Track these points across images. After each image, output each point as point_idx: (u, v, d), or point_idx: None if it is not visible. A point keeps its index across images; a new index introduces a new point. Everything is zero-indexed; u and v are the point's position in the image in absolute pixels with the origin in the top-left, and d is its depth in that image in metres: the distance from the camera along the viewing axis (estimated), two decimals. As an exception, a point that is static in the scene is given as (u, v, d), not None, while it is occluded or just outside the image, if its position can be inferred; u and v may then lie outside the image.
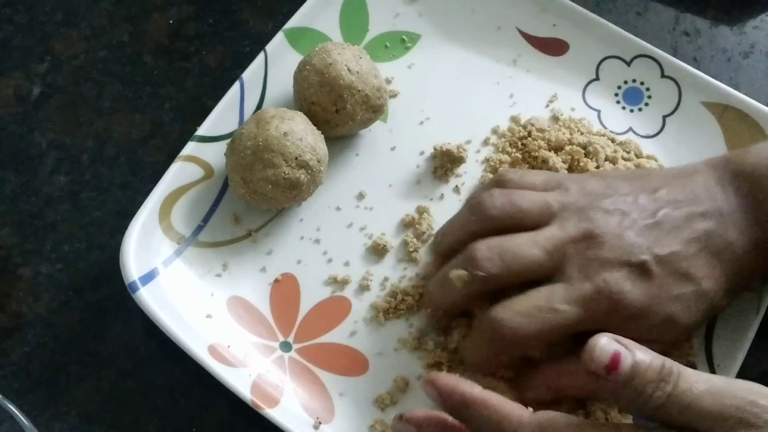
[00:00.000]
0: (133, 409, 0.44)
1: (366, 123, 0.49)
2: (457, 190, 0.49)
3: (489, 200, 0.42)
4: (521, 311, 0.39)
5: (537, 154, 0.48)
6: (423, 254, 0.47)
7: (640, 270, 0.39)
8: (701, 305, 0.40)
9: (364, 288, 0.46)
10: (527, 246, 0.40)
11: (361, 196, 0.49)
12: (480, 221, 0.42)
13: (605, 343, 0.33)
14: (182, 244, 0.46)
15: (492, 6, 0.53)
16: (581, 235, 0.40)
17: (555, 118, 0.50)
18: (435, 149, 0.49)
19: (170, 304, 0.44)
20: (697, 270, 0.39)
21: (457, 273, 0.40)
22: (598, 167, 0.47)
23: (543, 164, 0.48)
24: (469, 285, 0.40)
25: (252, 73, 0.50)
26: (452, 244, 0.43)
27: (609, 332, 0.34)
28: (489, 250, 0.40)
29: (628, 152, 0.49)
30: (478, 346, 0.41)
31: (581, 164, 0.47)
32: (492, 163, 0.49)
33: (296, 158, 0.44)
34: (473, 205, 0.42)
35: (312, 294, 0.46)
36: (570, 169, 0.47)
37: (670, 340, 0.41)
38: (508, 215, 0.41)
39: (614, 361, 0.32)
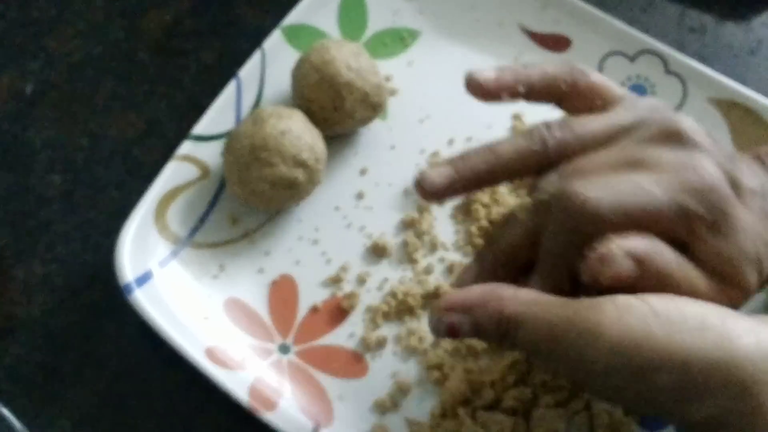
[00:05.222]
0: (128, 412, 0.44)
1: (365, 121, 0.48)
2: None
3: (549, 130, 0.36)
4: (598, 181, 0.33)
5: None
6: (422, 255, 0.47)
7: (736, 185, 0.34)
8: None
9: (363, 289, 0.46)
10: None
11: (360, 196, 0.48)
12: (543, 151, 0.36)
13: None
14: (178, 245, 0.46)
15: (493, 2, 0.53)
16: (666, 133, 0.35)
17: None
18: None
19: (166, 306, 0.43)
20: None
21: (520, 203, 0.35)
22: None
23: None
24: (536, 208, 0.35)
25: (249, 71, 0.49)
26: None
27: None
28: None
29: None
30: (553, 236, 0.34)
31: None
32: None
33: (294, 157, 0.44)
34: (532, 134, 0.36)
35: (310, 295, 0.46)
36: None
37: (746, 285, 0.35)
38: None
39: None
